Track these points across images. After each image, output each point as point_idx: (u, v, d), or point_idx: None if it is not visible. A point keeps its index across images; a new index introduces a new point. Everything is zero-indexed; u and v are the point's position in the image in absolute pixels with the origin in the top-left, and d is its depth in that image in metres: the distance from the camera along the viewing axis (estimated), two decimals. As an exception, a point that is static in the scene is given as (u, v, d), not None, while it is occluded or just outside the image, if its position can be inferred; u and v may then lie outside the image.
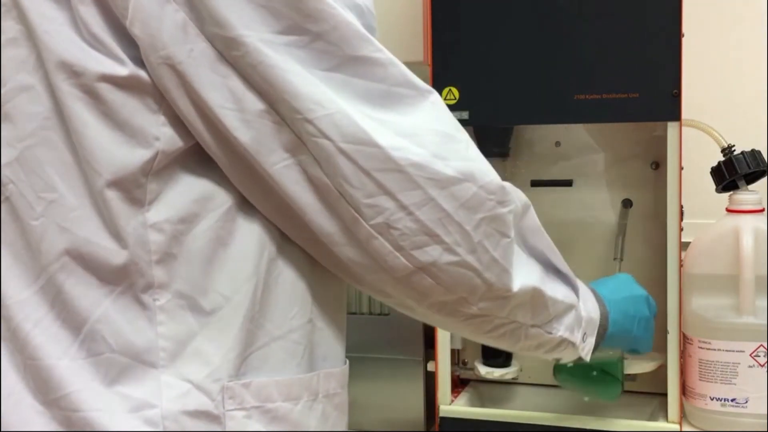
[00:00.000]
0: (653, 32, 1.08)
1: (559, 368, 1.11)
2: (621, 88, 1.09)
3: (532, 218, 0.84)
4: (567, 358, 0.92)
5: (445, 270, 0.73)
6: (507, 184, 0.78)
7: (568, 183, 1.22)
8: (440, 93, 1.13)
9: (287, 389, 0.75)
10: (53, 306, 0.71)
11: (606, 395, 1.15)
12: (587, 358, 0.91)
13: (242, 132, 0.68)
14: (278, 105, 0.68)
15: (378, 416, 1.27)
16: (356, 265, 0.74)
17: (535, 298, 0.81)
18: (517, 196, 0.80)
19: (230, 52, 0.67)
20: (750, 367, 1.14)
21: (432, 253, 0.72)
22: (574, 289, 0.88)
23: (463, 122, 1.14)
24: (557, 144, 1.25)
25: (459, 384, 1.29)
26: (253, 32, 0.67)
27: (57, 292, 0.71)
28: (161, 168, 0.69)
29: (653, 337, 1.06)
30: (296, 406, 0.75)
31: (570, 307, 0.86)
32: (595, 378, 1.12)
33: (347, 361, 0.84)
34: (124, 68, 0.67)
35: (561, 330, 0.86)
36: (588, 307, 0.91)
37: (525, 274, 0.79)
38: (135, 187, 0.69)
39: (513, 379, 1.25)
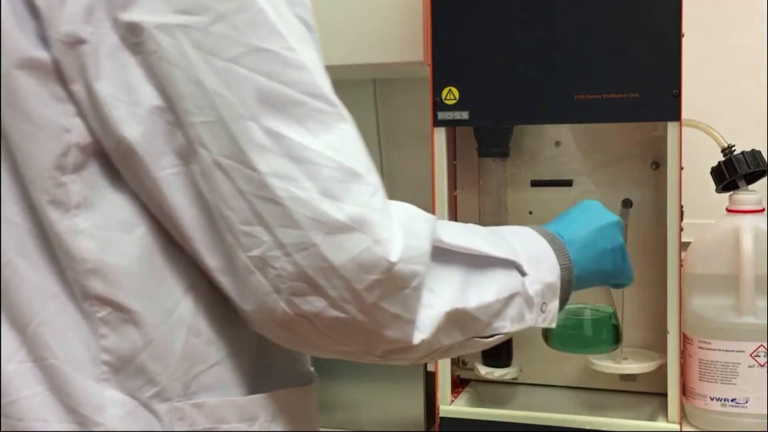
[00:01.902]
0: (653, 32, 1.08)
1: (548, 332, 1.08)
2: (621, 88, 1.09)
3: (442, 227, 0.73)
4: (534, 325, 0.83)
5: (331, 325, 0.64)
6: (413, 230, 0.66)
7: (568, 183, 1.22)
8: (440, 93, 1.14)
9: (242, 410, 0.69)
10: (3, 305, 0.67)
11: (603, 348, 1.11)
12: (553, 325, 0.83)
13: (131, 128, 0.62)
14: (173, 103, 0.62)
15: (378, 416, 1.27)
16: (237, 299, 0.66)
17: (456, 319, 0.72)
18: (422, 230, 0.68)
19: (132, 39, 0.61)
20: (750, 367, 1.14)
21: (315, 304, 0.63)
22: (516, 267, 0.79)
23: (463, 122, 1.15)
24: (557, 144, 1.25)
25: (459, 384, 1.29)
26: (153, 16, 0.61)
27: (5, 290, 0.67)
28: (80, 165, 0.64)
29: (629, 264, 0.97)
30: (252, 427, 0.70)
31: (510, 298, 0.77)
32: (589, 335, 1.08)
33: (315, 380, 0.79)
34: (35, 51, 0.62)
35: (507, 326, 0.77)
36: (541, 274, 0.81)
37: (438, 303, 0.69)
38: (55, 187, 0.64)
39: (513, 379, 1.25)
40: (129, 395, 0.66)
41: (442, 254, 0.71)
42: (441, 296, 0.70)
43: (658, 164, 1.20)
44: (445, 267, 0.71)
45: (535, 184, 1.24)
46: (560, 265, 0.84)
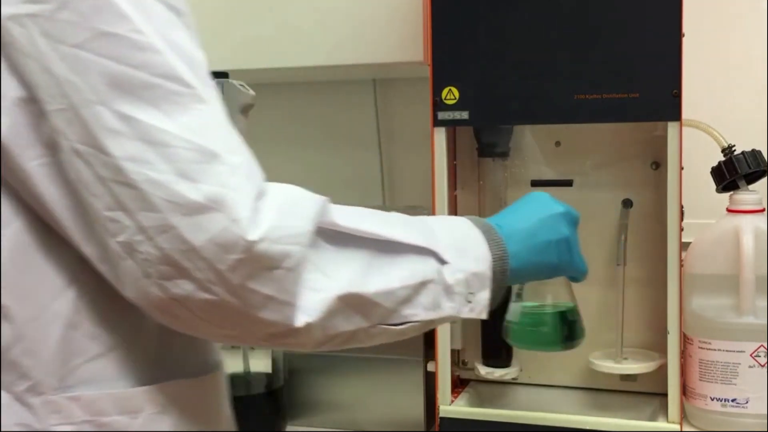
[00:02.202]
0: (653, 32, 1.07)
1: (507, 328, 1.07)
2: (621, 88, 1.09)
3: (338, 211, 0.73)
4: (460, 315, 0.82)
5: (204, 308, 0.64)
6: (279, 203, 0.66)
7: (568, 183, 1.22)
8: (440, 93, 1.14)
9: (125, 402, 0.69)
10: None
11: (562, 345, 1.07)
12: (484, 316, 0.82)
13: None
14: (34, 93, 0.62)
15: (378, 416, 1.27)
16: (118, 286, 0.65)
17: (354, 303, 0.71)
18: (303, 211, 0.68)
19: None
20: (750, 367, 1.14)
21: (184, 287, 0.63)
22: (433, 255, 0.78)
23: (463, 122, 1.15)
24: (557, 144, 1.25)
25: (459, 384, 1.29)
26: (5, 8, 0.61)
27: None
28: None
29: (583, 260, 0.95)
30: (136, 420, 0.69)
31: (422, 285, 0.76)
32: (545, 331, 1.05)
33: (217, 369, 0.78)
34: None
35: (420, 314, 0.76)
36: (466, 263, 0.80)
37: (330, 286, 0.69)
38: None
39: (513, 379, 1.25)
40: (3, 389, 0.67)
41: (343, 238, 0.71)
42: (334, 279, 0.69)
43: (658, 164, 1.20)
44: (344, 250, 0.71)
45: (535, 184, 1.24)
46: (493, 255, 0.83)
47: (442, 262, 0.78)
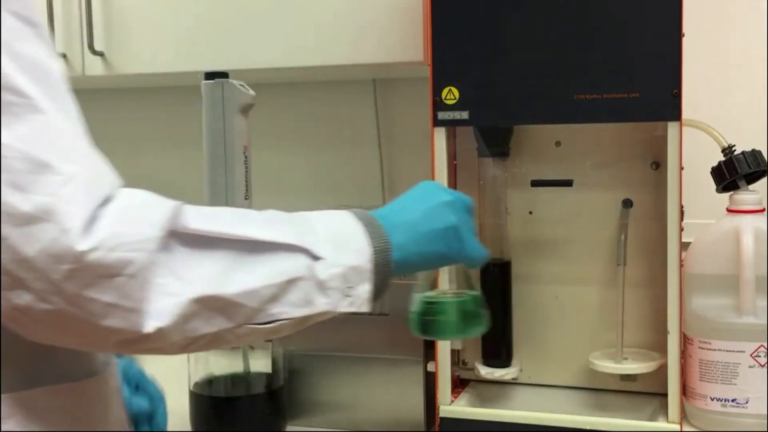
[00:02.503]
0: (653, 32, 1.07)
1: (409, 319, 1.06)
2: (621, 88, 1.09)
3: (195, 214, 0.72)
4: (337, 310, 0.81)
5: (46, 318, 0.65)
6: (112, 216, 0.66)
7: (568, 183, 1.22)
8: (440, 93, 1.14)
9: None
10: None
11: (461, 333, 1.07)
12: (365, 309, 0.81)
13: None
14: None
15: (378, 416, 1.27)
16: None
17: (214, 305, 0.71)
18: (150, 217, 0.68)
19: None
20: (750, 367, 1.14)
21: (24, 297, 0.64)
22: (304, 253, 0.77)
23: (463, 122, 1.15)
24: (557, 144, 1.25)
25: (459, 384, 1.29)
26: None
27: None
28: None
29: (477, 246, 0.94)
30: (6, 424, 0.70)
31: (291, 282, 0.75)
32: (443, 320, 1.04)
33: (102, 372, 0.78)
34: None
35: (289, 311, 0.76)
36: (344, 257, 0.79)
37: (184, 290, 0.69)
38: None
39: (513, 379, 1.25)
40: None
41: (203, 241, 0.71)
42: (189, 283, 0.69)
43: (658, 164, 1.20)
44: (202, 253, 0.71)
45: (535, 184, 1.24)
46: (374, 247, 0.82)
47: (316, 257, 0.78)
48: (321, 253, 0.78)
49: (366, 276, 0.81)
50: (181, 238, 0.70)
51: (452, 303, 1.03)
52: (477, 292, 1.05)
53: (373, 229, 0.83)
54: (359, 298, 0.81)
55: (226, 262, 0.72)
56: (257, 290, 0.74)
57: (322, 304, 0.78)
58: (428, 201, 0.90)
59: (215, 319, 0.72)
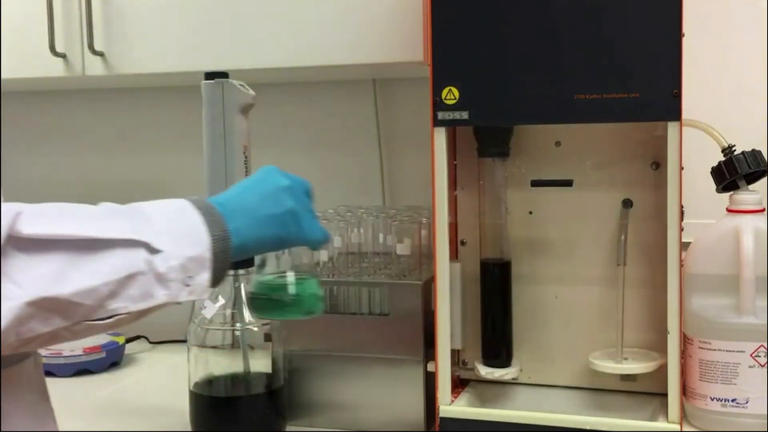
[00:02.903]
0: (653, 32, 1.07)
1: (248, 298, 1.12)
2: (621, 88, 1.09)
3: (30, 218, 0.75)
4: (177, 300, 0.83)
5: None
6: None
7: (568, 183, 1.22)
8: (440, 93, 1.14)
9: None
10: None
11: (293, 313, 1.10)
12: (205, 296, 0.84)
13: None
14: None
15: (378, 416, 1.27)
16: None
17: (49, 306, 0.73)
18: None
19: None
20: (750, 367, 1.14)
21: None
22: (143, 247, 0.79)
23: (463, 122, 1.15)
24: (557, 144, 1.25)
25: (459, 384, 1.29)
26: None
27: None
28: None
29: (318, 228, 0.98)
30: None
31: (129, 278, 0.78)
32: (278, 299, 1.08)
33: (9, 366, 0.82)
34: None
35: (128, 306, 0.78)
36: (183, 248, 0.81)
37: (19, 294, 0.72)
38: None
39: (513, 379, 1.25)
40: None
41: (39, 244, 0.74)
42: (23, 287, 0.72)
43: (658, 164, 1.20)
44: (38, 256, 0.73)
45: (535, 184, 1.24)
46: (212, 236, 0.84)
47: (154, 251, 0.80)
48: (159, 246, 0.80)
49: (206, 265, 0.83)
50: (16, 243, 0.72)
51: (286, 285, 1.07)
52: (310, 275, 1.09)
53: (211, 217, 0.86)
54: (199, 287, 0.83)
55: (62, 262, 0.74)
56: (95, 288, 0.76)
57: (161, 296, 0.80)
58: (266, 186, 0.95)
59: (52, 320, 0.74)
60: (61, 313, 0.75)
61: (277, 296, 1.07)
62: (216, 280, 0.86)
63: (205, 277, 0.84)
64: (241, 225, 0.88)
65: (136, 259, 0.79)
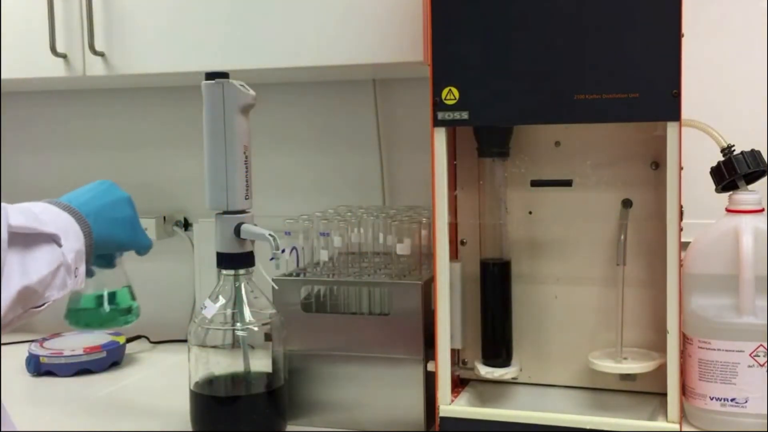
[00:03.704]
0: (653, 32, 1.08)
1: (69, 312, 1.18)
2: (621, 88, 1.09)
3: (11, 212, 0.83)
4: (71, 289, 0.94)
5: None
6: None
7: (568, 183, 1.22)
8: (440, 93, 1.14)
9: None
10: None
11: (104, 323, 1.21)
12: (82, 286, 0.96)
13: None
14: None
15: (378, 416, 1.27)
16: None
17: (24, 295, 0.82)
18: None
19: None
20: (750, 367, 1.14)
21: None
22: (55, 241, 0.89)
23: (463, 122, 1.15)
24: (557, 144, 1.25)
25: (459, 384, 1.29)
26: None
27: None
28: None
29: (146, 236, 1.14)
30: None
31: (58, 268, 0.88)
32: (108, 311, 1.19)
33: None
34: None
35: (54, 294, 0.88)
36: (71, 243, 0.93)
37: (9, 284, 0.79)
38: None
39: (513, 379, 1.25)
40: None
41: (15, 238, 0.82)
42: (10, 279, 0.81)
43: (658, 164, 1.20)
44: (13, 249, 0.81)
45: (535, 184, 1.24)
46: (84, 233, 0.98)
47: (60, 244, 0.90)
48: (61, 240, 0.90)
49: (83, 257, 0.96)
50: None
51: (98, 296, 1.18)
52: (123, 285, 1.20)
53: (77, 216, 0.98)
54: (81, 277, 0.96)
55: (19, 256, 0.83)
56: (45, 277, 0.86)
57: (69, 284, 0.92)
58: (111, 195, 1.08)
59: (16, 308, 0.82)
60: (24, 301, 0.83)
61: (83, 307, 1.17)
62: (87, 273, 0.98)
63: (83, 268, 0.96)
64: (95, 225, 1.01)
65: (58, 251, 0.89)
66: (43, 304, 0.87)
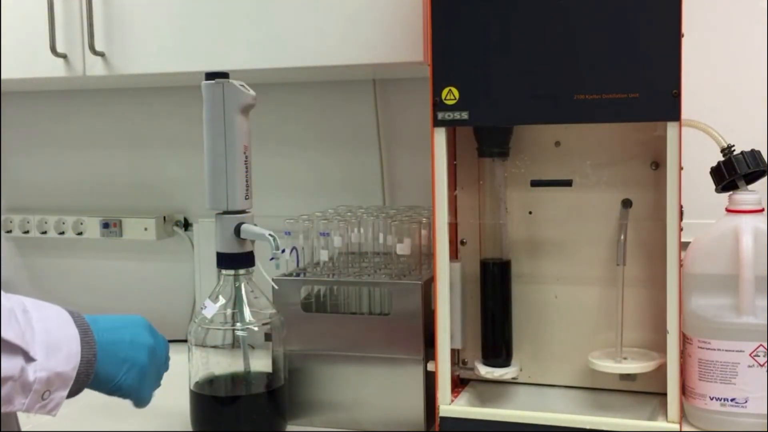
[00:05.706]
0: (653, 32, 1.08)
1: None
2: (621, 88, 1.09)
3: None
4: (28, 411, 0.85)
5: None
6: None
7: (568, 183, 1.22)
8: (440, 93, 1.14)
9: None
10: None
11: None
12: (54, 414, 0.85)
13: None
14: None
15: (378, 416, 1.27)
16: None
17: None
18: None
19: None
20: (750, 366, 1.14)
21: None
22: (22, 353, 0.81)
23: (463, 122, 1.15)
24: (557, 144, 1.25)
25: (459, 384, 1.29)
26: None
27: None
28: None
29: (151, 392, 1.02)
30: None
31: (4, 380, 0.80)
32: None
33: None
34: None
35: None
36: (54, 362, 0.84)
37: None
38: None
39: (513, 379, 1.25)
40: None
41: None
42: None
43: (658, 164, 1.20)
44: None
45: (535, 184, 1.24)
46: (83, 358, 0.88)
47: (30, 359, 0.81)
48: (36, 355, 0.82)
49: (68, 383, 0.86)
50: None
51: None
52: None
53: (86, 337, 0.88)
54: (53, 402, 0.85)
55: None
56: None
57: (18, 404, 0.82)
58: (135, 334, 0.97)
59: None
60: None
61: None
62: (68, 397, 0.87)
63: (62, 395, 0.86)
64: (104, 357, 0.91)
65: (13, 364, 0.80)
66: None
